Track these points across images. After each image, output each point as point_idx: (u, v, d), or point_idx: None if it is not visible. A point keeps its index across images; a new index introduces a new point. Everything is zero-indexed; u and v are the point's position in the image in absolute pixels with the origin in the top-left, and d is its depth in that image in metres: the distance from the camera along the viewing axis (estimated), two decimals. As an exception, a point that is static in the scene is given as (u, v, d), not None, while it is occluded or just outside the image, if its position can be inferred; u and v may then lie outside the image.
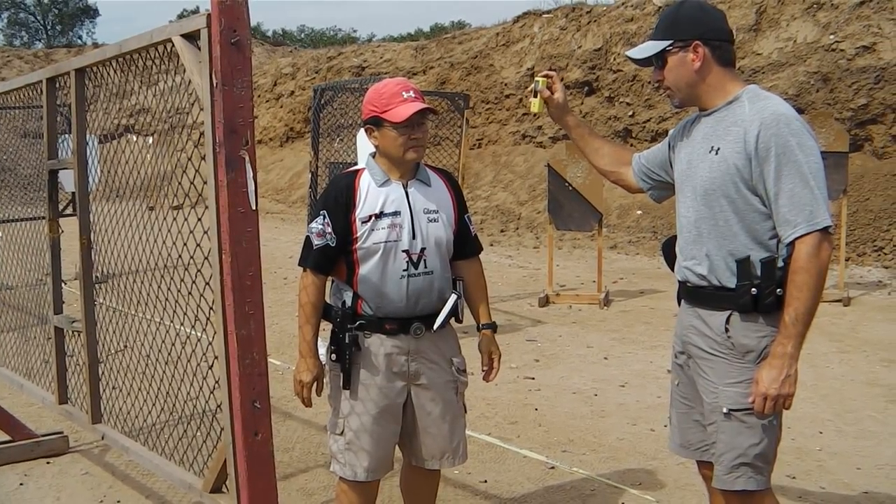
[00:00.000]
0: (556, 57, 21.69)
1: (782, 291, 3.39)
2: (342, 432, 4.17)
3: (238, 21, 3.00)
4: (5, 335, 6.25)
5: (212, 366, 3.39)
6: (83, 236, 4.47)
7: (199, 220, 3.36)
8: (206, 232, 3.22)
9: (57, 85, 4.93)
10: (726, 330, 3.53)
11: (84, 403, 4.69)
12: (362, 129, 9.20)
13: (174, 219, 3.79)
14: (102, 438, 4.56)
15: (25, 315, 6.06)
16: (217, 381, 3.27)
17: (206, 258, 3.20)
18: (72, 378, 4.99)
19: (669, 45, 3.62)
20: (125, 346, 4.67)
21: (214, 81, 3.01)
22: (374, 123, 4.21)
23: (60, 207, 5.52)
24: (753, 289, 3.44)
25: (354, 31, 76.37)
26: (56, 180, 5.01)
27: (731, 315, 3.52)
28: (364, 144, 9.29)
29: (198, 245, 3.44)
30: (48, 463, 6.40)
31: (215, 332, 3.19)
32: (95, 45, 49.62)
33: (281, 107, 30.32)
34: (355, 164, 9.49)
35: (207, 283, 3.24)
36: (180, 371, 4.05)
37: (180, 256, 3.67)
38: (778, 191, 3.37)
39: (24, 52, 46.22)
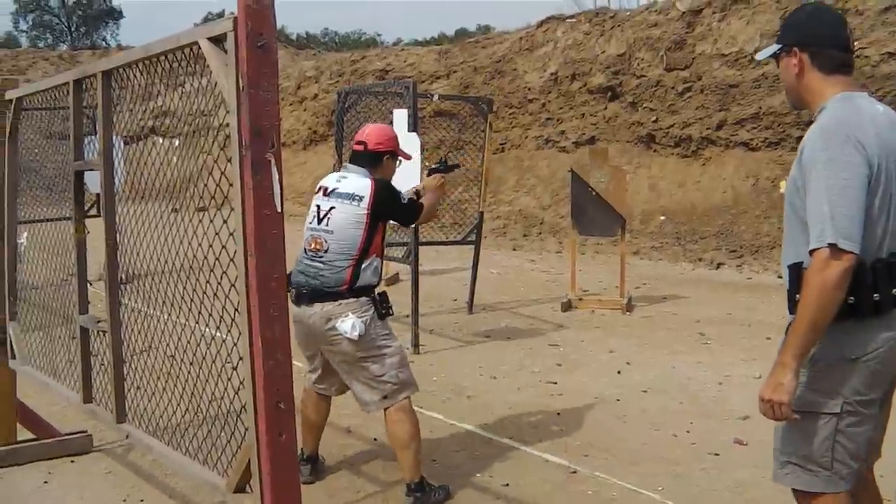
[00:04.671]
0: (579, 62, 21.66)
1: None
2: (405, 363, 5.75)
3: (264, 24, 3.02)
4: (31, 334, 6.28)
5: (236, 367, 3.41)
6: (109, 237, 4.49)
7: (225, 222, 3.39)
8: (231, 234, 3.24)
9: (83, 87, 4.96)
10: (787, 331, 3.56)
11: (109, 403, 4.72)
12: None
13: (199, 221, 3.81)
14: (127, 437, 4.59)
15: (50, 314, 6.11)
16: (242, 382, 3.29)
17: (231, 260, 3.21)
18: (97, 377, 5.02)
19: (779, 50, 3.79)
20: (149, 347, 4.70)
21: (241, 84, 3.04)
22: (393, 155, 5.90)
23: (86, 208, 5.57)
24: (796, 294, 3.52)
25: (379, 35, 76.40)
26: (82, 181, 5.04)
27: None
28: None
29: (223, 247, 3.47)
30: (72, 461, 6.44)
31: (240, 334, 3.21)
32: (119, 47, 49.92)
33: (304, 110, 30.36)
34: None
35: (233, 285, 3.26)
36: (205, 372, 4.08)
37: (206, 258, 3.69)
38: (807, 204, 3.45)
39: (49, 54, 46.46)
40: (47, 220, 6.11)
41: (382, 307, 5.57)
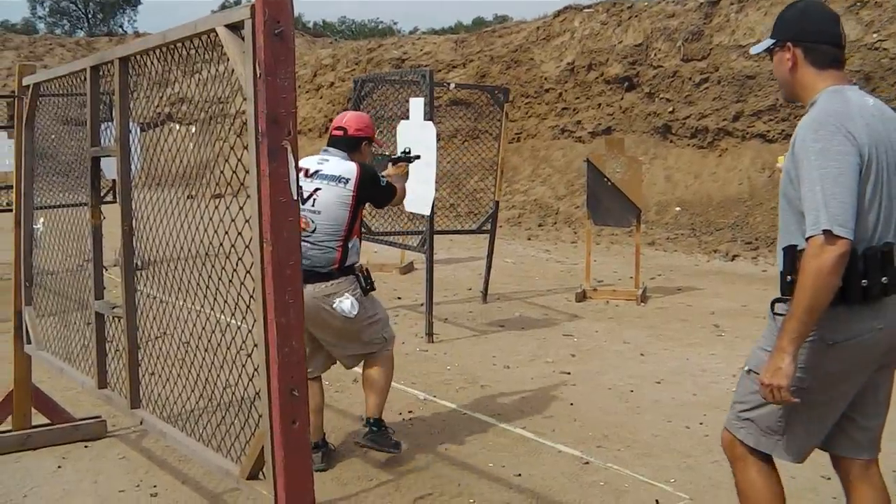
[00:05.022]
0: (596, 52, 21.63)
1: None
2: (387, 321, 6.22)
3: (282, 12, 3.02)
4: (46, 319, 6.31)
5: (251, 354, 3.42)
6: (125, 223, 4.49)
7: (241, 209, 3.39)
8: (247, 221, 3.24)
9: (101, 73, 4.96)
10: (772, 305, 3.79)
11: (123, 388, 4.72)
12: (403, 122, 9.30)
13: (216, 207, 3.82)
14: (141, 423, 4.59)
15: (65, 300, 6.12)
16: (256, 369, 3.29)
17: (247, 247, 3.22)
18: (111, 363, 5.03)
19: (773, 44, 3.92)
20: (164, 333, 4.72)
21: (258, 72, 3.03)
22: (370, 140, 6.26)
23: (101, 194, 5.59)
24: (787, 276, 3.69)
25: (395, 24, 76.34)
26: (98, 168, 5.04)
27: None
28: (406, 138, 9.35)
29: (239, 234, 3.47)
30: (86, 447, 6.48)
31: (255, 321, 3.21)
32: (137, 34, 49.93)
33: (321, 98, 30.38)
34: (394, 155, 9.56)
35: (248, 272, 3.26)
36: (219, 358, 4.09)
37: (221, 245, 3.69)
38: (801, 194, 3.57)
39: (66, 41, 46.55)
40: (63, 206, 6.12)
41: (367, 283, 5.96)
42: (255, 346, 3.25)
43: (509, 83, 22.29)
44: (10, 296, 6.41)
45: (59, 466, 6.15)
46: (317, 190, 5.85)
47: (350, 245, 5.88)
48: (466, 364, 8.66)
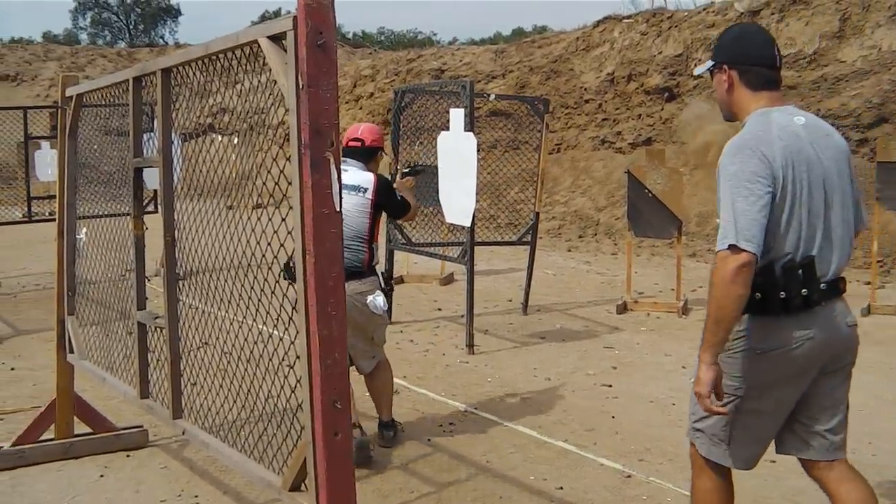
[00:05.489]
0: (636, 62, 21.56)
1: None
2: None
3: (324, 23, 3.02)
4: (88, 329, 6.34)
5: (293, 365, 3.42)
6: (167, 234, 4.52)
7: (284, 220, 3.39)
8: (289, 232, 3.25)
9: (143, 84, 4.99)
10: None
11: (165, 398, 4.75)
12: (443, 133, 9.31)
13: (258, 218, 3.82)
14: (183, 434, 4.61)
15: (107, 310, 6.16)
16: (298, 381, 3.29)
17: (289, 258, 3.23)
18: (153, 373, 5.06)
19: (712, 66, 4.16)
20: (205, 343, 4.73)
21: (300, 83, 3.04)
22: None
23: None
24: None
25: (434, 34, 76.41)
26: (141, 178, 5.07)
27: None
28: (446, 148, 9.35)
29: (281, 245, 3.47)
30: (128, 456, 6.51)
31: (297, 332, 3.21)
32: (177, 45, 50.30)
33: (360, 108, 30.43)
34: (436, 166, 9.57)
35: (291, 283, 3.27)
36: (261, 369, 4.10)
37: (263, 256, 3.70)
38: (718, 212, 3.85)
39: (108, 51, 46.88)
40: (105, 216, 6.16)
41: (387, 284, 6.47)
42: (298, 357, 3.24)
43: (549, 94, 22.25)
44: (53, 304, 6.46)
45: (102, 475, 6.18)
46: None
47: (374, 246, 6.39)
48: (507, 376, 8.63)
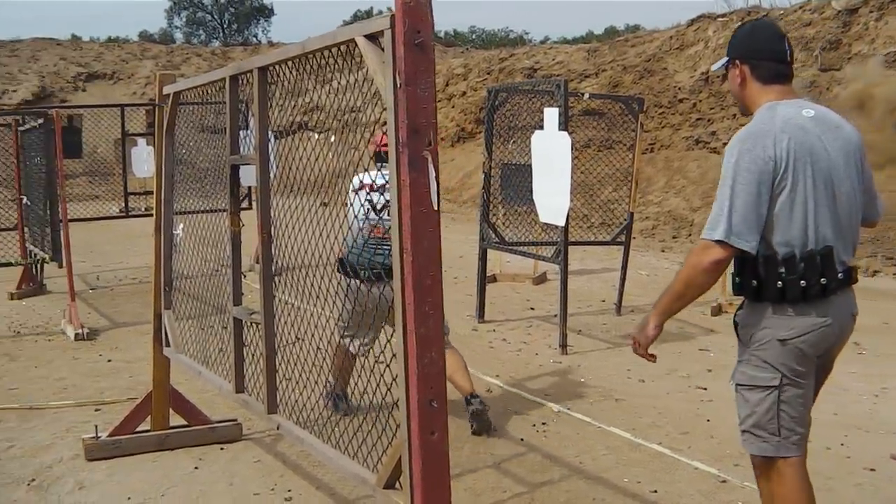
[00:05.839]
0: (734, 60, 21.28)
1: (757, 282, 4.03)
2: None
3: (422, 22, 3.02)
4: (183, 323, 6.43)
5: (389, 363, 3.44)
6: (263, 231, 4.56)
7: (380, 218, 3.41)
8: (386, 230, 3.26)
9: (239, 82, 5.05)
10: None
11: (260, 393, 4.80)
12: (537, 132, 9.31)
13: (355, 216, 3.84)
14: (277, 429, 4.64)
15: (202, 304, 6.25)
16: (395, 379, 3.30)
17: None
18: (248, 368, 5.11)
19: (726, 62, 4.35)
20: (298, 339, 4.77)
21: (398, 82, 3.04)
22: None
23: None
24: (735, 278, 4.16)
25: (526, 33, 76.17)
26: (238, 175, 5.11)
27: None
28: (540, 147, 9.35)
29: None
30: (222, 449, 6.60)
31: (394, 331, 3.23)
32: (271, 44, 50.73)
33: (453, 107, 30.49)
34: (529, 165, 9.57)
35: (388, 283, 3.28)
36: (357, 367, 4.12)
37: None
38: None
39: (203, 50, 47.46)
40: (200, 212, 6.24)
41: None
42: (394, 355, 3.26)
43: (642, 93, 22.06)
44: (149, 298, 6.58)
45: (196, 468, 6.28)
46: (388, 202, 6.35)
47: None
48: (600, 377, 8.59)
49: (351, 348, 6.77)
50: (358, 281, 6.38)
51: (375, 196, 6.40)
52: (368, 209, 6.45)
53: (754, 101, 4.22)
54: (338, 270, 6.07)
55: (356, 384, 4.17)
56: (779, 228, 3.96)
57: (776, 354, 4.05)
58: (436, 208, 3.05)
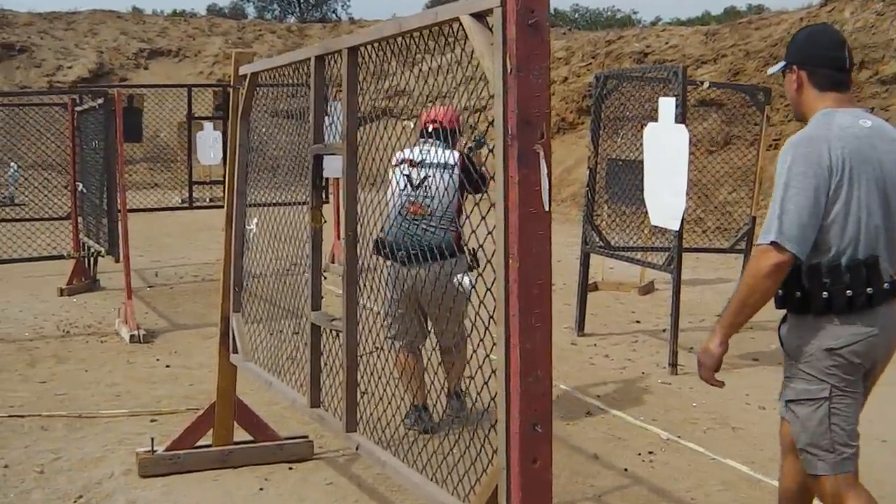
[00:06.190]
0: (870, 47, 20.97)
1: (801, 294, 4.29)
2: None
3: (536, 0, 3.00)
4: (250, 327, 6.45)
5: (487, 381, 3.42)
6: (349, 229, 4.56)
7: (483, 218, 3.39)
8: (490, 232, 3.24)
9: (326, 63, 5.05)
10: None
11: (338, 409, 4.80)
12: (651, 124, 9.23)
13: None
14: (357, 449, 4.63)
15: (271, 306, 6.26)
16: (493, 398, 3.28)
17: (488, 261, 3.22)
18: (325, 380, 5.12)
19: (783, 67, 4.63)
20: (378, 348, 4.77)
21: (508, 67, 3.02)
22: None
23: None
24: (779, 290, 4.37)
25: (635, 13, 75.68)
26: (321, 166, 5.12)
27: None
28: (653, 141, 9.26)
29: (480, 246, 3.47)
30: (290, 468, 6.64)
31: (494, 345, 3.20)
32: (352, 21, 51.08)
33: (553, 94, 30.32)
34: (638, 161, 9.49)
35: (489, 290, 3.26)
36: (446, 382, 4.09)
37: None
38: None
39: (277, 27, 47.95)
40: (272, 205, 6.25)
41: (473, 261, 6.62)
42: (493, 372, 3.24)
43: (766, 82, 21.80)
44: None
45: (261, 488, 6.32)
46: (426, 177, 7.05)
47: (462, 225, 6.62)
48: (715, 401, 8.47)
49: (401, 351, 7.18)
50: (396, 263, 6.82)
51: (414, 172, 7.07)
52: (405, 184, 7.12)
53: (810, 108, 4.49)
54: (373, 252, 6.38)
55: (447, 403, 4.14)
56: (829, 237, 4.23)
57: (824, 365, 4.30)
58: (547, 209, 3.02)
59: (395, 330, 7.25)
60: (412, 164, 7.07)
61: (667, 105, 9.25)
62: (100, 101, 12.73)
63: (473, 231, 3.60)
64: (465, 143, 7.85)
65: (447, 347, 7.08)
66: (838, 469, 4.36)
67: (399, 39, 4.12)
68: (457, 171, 6.67)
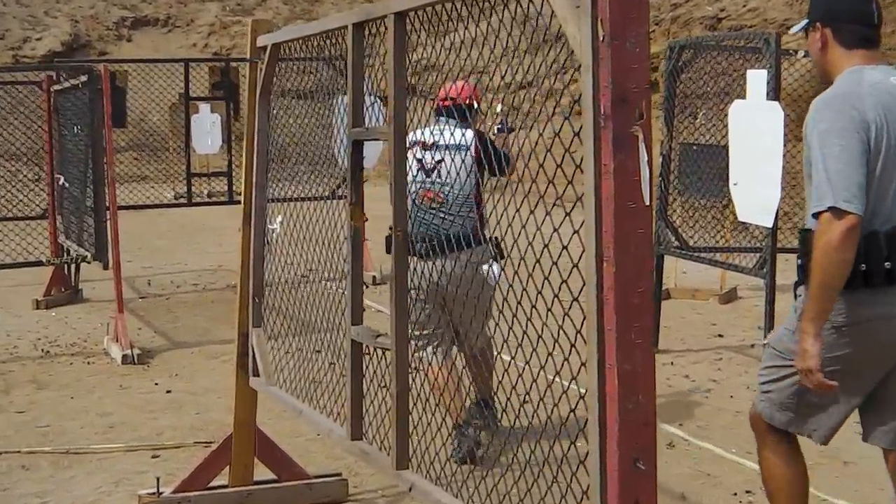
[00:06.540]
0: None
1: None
2: None
3: (632, -48, 2.98)
4: (271, 343, 6.40)
5: (574, 408, 3.39)
6: (397, 228, 4.51)
7: (568, 214, 3.36)
8: (576, 231, 3.20)
9: (366, 32, 5.02)
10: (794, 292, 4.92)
11: (385, 442, 4.76)
12: (737, 102, 9.19)
13: (530, 212, 3.77)
14: (410, 490, 4.57)
15: (290, 320, 6.22)
16: (582, 429, 3.24)
17: (574, 265, 3.18)
18: (368, 408, 5.08)
19: (807, 24, 4.92)
20: (418, 369, 4.75)
21: (600, 34, 2.99)
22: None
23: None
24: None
25: (705, -30, 75.23)
26: (361, 154, 5.05)
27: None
28: (741, 123, 9.20)
29: (564, 248, 3.42)
30: (321, 511, 6.61)
31: (583, 364, 3.17)
32: (375, -19, 50.94)
33: (607, 68, 30.34)
34: (717, 146, 9.43)
35: (575, 299, 3.22)
36: (526, 409, 4.04)
37: (538, 261, 3.64)
38: (809, 172, 4.62)
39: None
40: (308, 200, 6.20)
41: (499, 251, 6.60)
42: (582, 397, 3.20)
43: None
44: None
45: (289, 537, 6.30)
46: (440, 161, 7.26)
47: (483, 211, 7.04)
48: (818, 431, 8.43)
49: (433, 362, 7.32)
50: (415, 257, 6.59)
51: (427, 156, 7.29)
52: (418, 169, 7.34)
53: (836, 67, 4.79)
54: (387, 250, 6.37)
55: (524, 433, 4.09)
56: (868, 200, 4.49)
57: (836, 339, 4.67)
58: (647, 202, 2.98)
59: (425, 337, 7.39)
60: (424, 146, 7.22)
61: (757, 79, 9.16)
62: (83, 78, 12.44)
63: (495, 220, 3.57)
64: (491, 126, 8.20)
65: (475, 352, 7.36)
66: (791, 427, 5.05)
67: (458, 3, 4.10)
68: (471, 151, 6.94)
